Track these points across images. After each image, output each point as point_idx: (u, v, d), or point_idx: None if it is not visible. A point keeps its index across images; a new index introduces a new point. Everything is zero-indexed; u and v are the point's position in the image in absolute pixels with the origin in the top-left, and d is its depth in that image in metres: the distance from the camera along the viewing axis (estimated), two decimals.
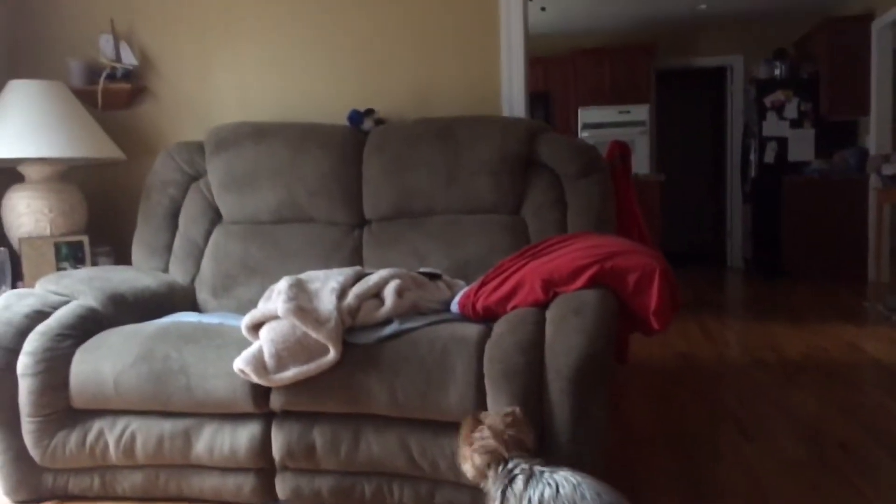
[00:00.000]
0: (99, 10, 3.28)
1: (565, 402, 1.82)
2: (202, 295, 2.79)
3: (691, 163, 9.87)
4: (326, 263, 2.70)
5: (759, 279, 7.27)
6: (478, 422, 1.69)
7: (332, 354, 1.96)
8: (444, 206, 2.72)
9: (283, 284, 2.11)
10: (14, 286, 2.77)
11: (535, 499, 1.53)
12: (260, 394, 2.03)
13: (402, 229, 2.74)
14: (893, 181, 5.79)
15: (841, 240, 6.98)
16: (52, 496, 2.24)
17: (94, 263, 2.98)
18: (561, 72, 8.47)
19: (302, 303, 2.03)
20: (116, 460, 2.14)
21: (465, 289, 2.26)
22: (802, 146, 7.37)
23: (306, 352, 1.97)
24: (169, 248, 2.89)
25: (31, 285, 2.69)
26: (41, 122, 2.77)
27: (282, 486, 2.09)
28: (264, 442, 2.06)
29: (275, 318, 2.04)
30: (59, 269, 2.83)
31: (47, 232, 2.86)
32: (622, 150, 3.34)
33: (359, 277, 2.25)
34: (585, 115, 8.36)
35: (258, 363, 1.97)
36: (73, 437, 2.15)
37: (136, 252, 2.90)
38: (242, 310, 2.64)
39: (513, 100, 3.06)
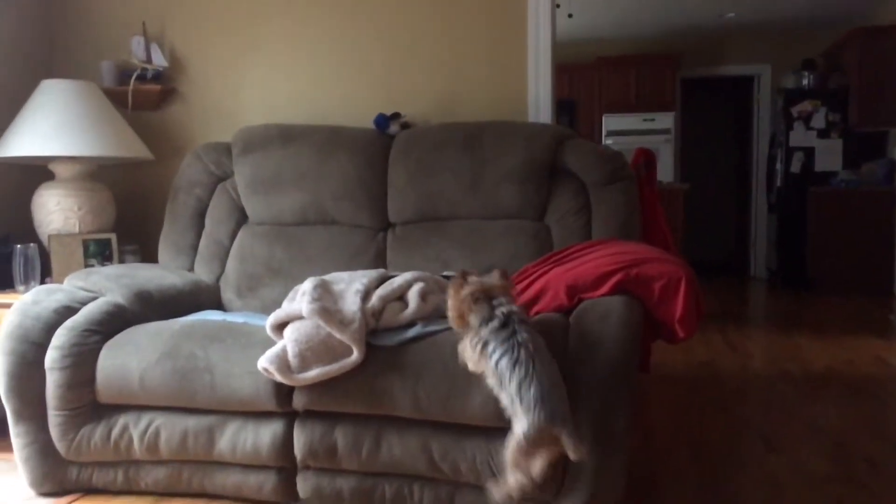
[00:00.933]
0: (131, 12, 3.32)
1: (589, 409, 1.81)
2: (227, 294, 2.81)
3: (716, 172, 9.81)
4: (350, 266, 2.71)
5: (784, 290, 7.20)
6: (464, 280, 1.78)
7: (356, 355, 1.97)
8: (468, 211, 2.72)
9: (307, 285, 2.12)
10: (43, 282, 2.81)
11: (495, 359, 1.66)
12: (283, 393, 2.04)
13: (426, 234, 2.74)
14: None
15: (867, 252, 6.89)
16: (77, 489, 2.27)
17: (122, 261, 3.02)
18: (586, 79, 8.46)
19: (326, 304, 2.04)
20: (140, 455, 2.17)
21: None
22: (830, 157, 7.30)
23: (330, 352, 1.98)
24: (195, 248, 2.92)
25: (60, 281, 2.72)
26: (72, 121, 2.82)
27: (303, 485, 2.10)
28: (286, 441, 2.07)
29: (299, 318, 2.06)
30: (86, 265, 2.86)
31: (76, 229, 2.90)
32: (647, 158, 3.33)
33: (383, 280, 2.26)
34: (610, 122, 8.34)
35: (282, 362, 1.98)
36: (99, 432, 2.17)
37: (163, 251, 2.93)
38: (266, 310, 2.66)
39: (539, 106, 3.06)
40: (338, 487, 2.07)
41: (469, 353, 1.76)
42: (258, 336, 2.15)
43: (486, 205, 2.71)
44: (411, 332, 2.04)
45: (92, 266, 2.86)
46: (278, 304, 2.43)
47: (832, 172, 7.25)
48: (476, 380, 1.90)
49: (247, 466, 2.13)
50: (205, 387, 2.08)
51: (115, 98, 3.22)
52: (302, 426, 2.06)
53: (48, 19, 3.40)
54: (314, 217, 2.85)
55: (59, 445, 2.19)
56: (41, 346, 2.17)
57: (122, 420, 2.17)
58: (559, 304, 2.03)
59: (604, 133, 8.36)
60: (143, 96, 3.25)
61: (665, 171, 7.89)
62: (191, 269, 2.89)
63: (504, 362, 1.64)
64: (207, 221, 2.93)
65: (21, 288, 2.73)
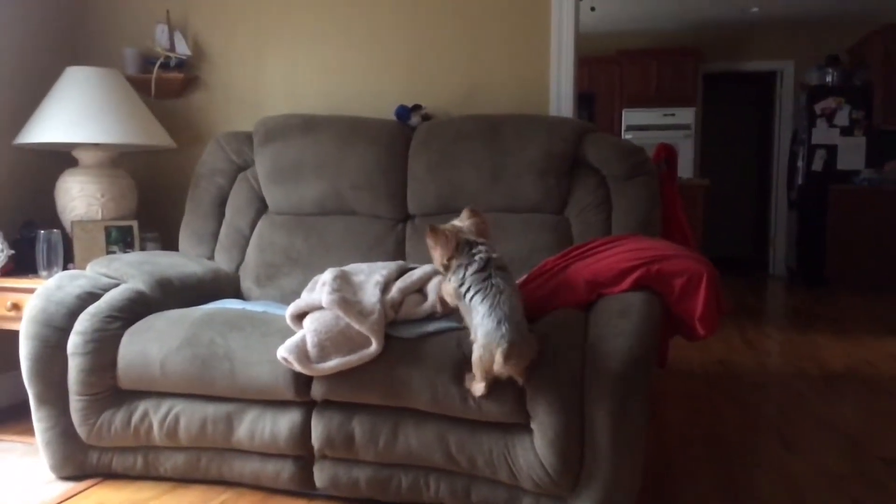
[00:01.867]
0: (156, 0, 3.34)
1: (606, 404, 1.81)
2: (246, 283, 2.83)
3: (736, 168, 9.73)
4: (368, 256, 2.72)
5: (802, 288, 7.15)
6: (436, 231, 1.94)
7: (375, 346, 1.98)
8: (488, 204, 2.72)
9: (327, 276, 2.13)
10: (65, 268, 2.83)
11: (469, 295, 1.84)
12: (301, 382, 2.05)
13: None
14: None
15: (888, 251, 6.83)
16: (96, 473, 2.29)
17: (143, 248, 3.04)
18: (606, 72, 8.41)
19: (346, 294, 2.05)
20: (160, 441, 2.19)
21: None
22: (853, 155, 7.22)
23: (349, 343, 1.99)
24: (215, 236, 2.94)
25: (82, 267, 2.75)
26: (96, 108, 2.84)
27: (320, 474, 2.12)
28: (304, 430, 2.08)
29: (319, 308, 2.07)
30: (108, 252, 2.89)
31: (98, 216, 2.92)
32: (668, 154, 3.30)
33: (402, 272, 2.27)
34: (629, 116, 8.30)
35: (301, 352, 1.99)
36: (119, 417, 2.20)
37: (184, 239, 2.95)
38: (285, 299, 2.67)
39: (561, 99, 3.04)
40: (354, 477, 2.08)
41: (449, 289, 1.95)
42: (277, 325, 2.17)
43: (507, 197, 2.71)
44: (431, 327, 2.05)
45: (114, 253, 2.88)
46: (297, 294, 2.44)
47: (855, 171, 7.18)
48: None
49: (264, 455, 2.15)
50: (224, 374, 2.09)
51: (139, 86, 3.24)
52: (320, 416, 2.07)
53: (73, 7, 3.42)
54: (333, 207, 2.86)
55: (80, 430, 2.21)
56: (64, 331, 2.20)
57: (142, 406, 2.19)
58: (579, 299, 2.03)
59: (623, 127, 8.32)
60: (167, 84, 3.27)
61: (685, 166, 7.84)
62: (211, 257, 2.91)
63: (477, 298, 1.83)
64: (228, 210, 2.95)
65: (44, 273, 2.76)
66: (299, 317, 2.10)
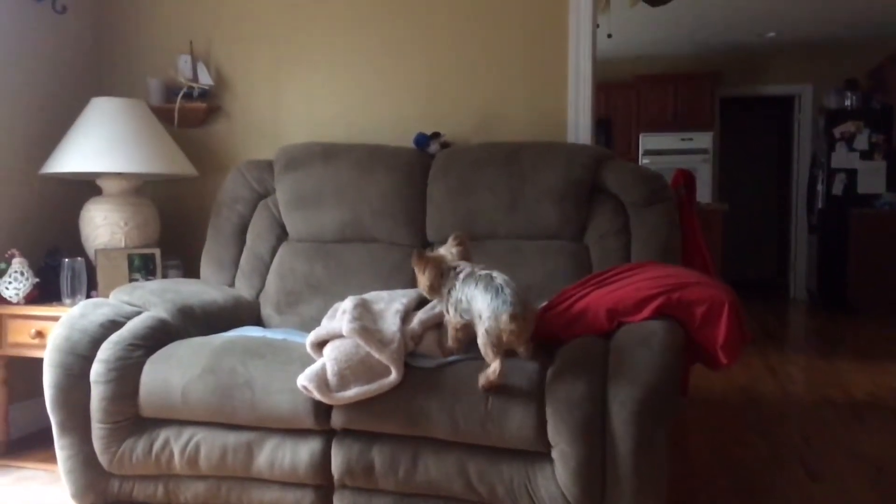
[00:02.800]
0: (180, 31, 3.40)
1: (628, 433, 1.79)
2: (266, 310, 2.84)
3: (755, 192, 9.68)
4: (388, 283, 2.73)
5: (824, 313, 7.06)
6: (421, 256, 2.05)
7: (394, 376, 1.98)
8: (507, 231, 2.72)
9: (348, 304, 2.14)
10: (88, 295, 2.86)
11: (465, 299, 1.94)
12: (321, 411, 2.05)
13: None
14: None
15: None
16: (117, 501, 2.30)
17: (165, 275, 3.07)
18: (623, 97, 8.42)
19: (366, 323, 2.06)
20: (180, 469, 2.19)
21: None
22: (873, 178, 7.16)
23: (369, 372, 1.99)
24: (236, 263, 2.96)
25: (105, 295, 2.78)
26: (120, 138, 2.88)
27: (340, 503, 2.11)
28: (324, 459, 2.08)
29: (339, 336, 2.07)
30: (131, 280, 2.92)
31: (122, 244, 2.96)
32: (687, 180, 3.29)
33: (422, 300, 2.27)
34: (647, 141, 8.29)
35: (321, 381, 1.99)
36: (140, 445, 2.20)
37: (205, 266, 2.97)
38: (305, 326, 2.68)
39: (579, 126, 3.06)
40: None
41: (448, 317, 2.04)
42: (298, 353, 2.17)
43: (525, 224, 2.71)
44: (451, 358, 2.04)
45: (136, 280, 2.91)
46: (317, 321, 2.45)
47: (875, 194, 7.11)
48: (513, 402, 1.90)
49: (284, 484, 2.14)
50: (245, 403, 2.10)
51: (162, 115, 3.29)
52: (340, 444, 2.07)
53: (99, 39, 3.49)
54: (353, 234, 2.88)
55: (102, 458, 2.22)
56: (87, 359, 2.22)
57: (163, 434, 2.20)
58: (599, 328, 2.02)
59: (640, 152, 8.31)
60: (189, 114, 3.32)
61: (703, 191, 7.81)
62: (231, 284, 2.93)
63: (472, 290, 1.92)
64: (249, 237, 2.97)
65: (68, 301, 2.79)
66: (319, 345, 2.11)
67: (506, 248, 2.71)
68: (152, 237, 3.08)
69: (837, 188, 7.22)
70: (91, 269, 2.90)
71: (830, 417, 3.39)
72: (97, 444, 2.22)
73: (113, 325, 2.30)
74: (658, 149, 8.22)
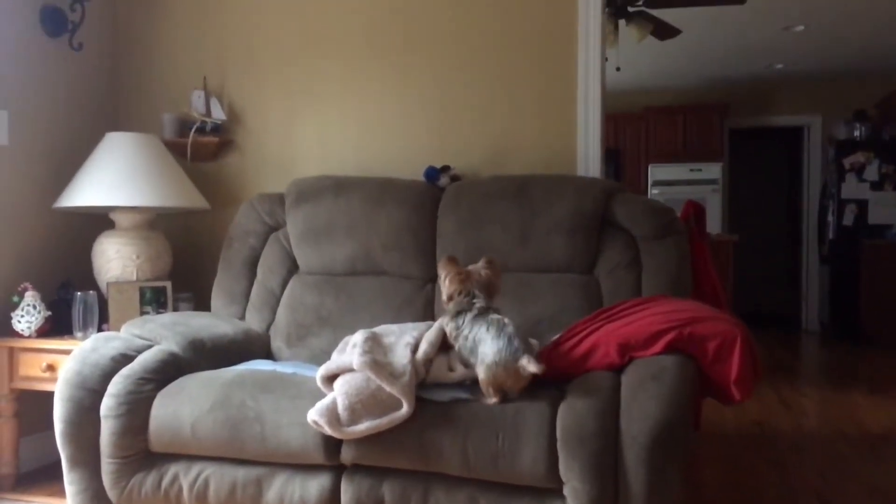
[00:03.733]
0: (193, 67, 3.46)
1: (641, 470, 1.78)
2: (276, 343, 2.84)
3: (766, 223, 9.66)
4: (398, 316, 2.73)
5: (837, 344, 7.00)
6: (452, 262, 2.17)
7: (406, 409, 1.97)
8: (517, 264, 2.72)
9: (358, 338, 2.14)
10: (99, 329, 2.88)
11: (471, 337, 2.01)
12: (331, 446, 2.04)
13: None
14: None
15: None
16: None
17: (176, 308, 3.08)
18: (633, 128, 8.46)
19: (377, 356, 2.06)
20: None
21: (539, 349, 2.24)
22: (884, 209, 7.14)
23: (380, 406, 1.98)
24: (247, 296, 2.97)
25: (116, 328, 2.79)
26: (134, 172, 2.91)
27: None
28: (334, 494, 2.06)
29: (349, 370, 2.07)
30: (142, 312, 2.93)
31: (133, 277, 2.97)
32: (697, 211, 3.30)
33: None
34: (656, 171, 8.31)
35: (332, 415, 1.98)
36: (150, 480, 2.19)
37: (216, 298, 2.98)
38: (315, 359, 2.68)
39: (588, 159, 3.07)
40: None
41: (448, 330, 2.12)
42: (308, 387, 2.17)
43: (535, 257, 2.71)
44: (462, 394, 2.03)
45: (147, 313, 2.92)
46: (327, 354, 2.45)
47: (887, 225, 7.09)
48: (525, 438, 1.89)
49: None
50: (254, 437, 2.09)
51: (175, 149, 3.33)
52: (350, 480, 2.06)
53: (114, 75, 3.55)
54: (364, 267, 2.88)
55: (111, 493, 2.21)
56: (98, 393, 2.22)
57: (172, 469, 2.19)
58: (610, 362, 2.01)
59: (650, 183, 8.32)
60: (202, 148, 3.35)
61: (713, 221, 7.80)
62: (242, 317, 2.94)
63: (481, 331, 2.00)
64: (259, 270, 2.99)
65: (79, 334, 2.80)
66: (329, 379, 2.10)
67: (516, 281, 2.71)
68: (164, 270, 3.10)
69: (848, 219, 7.20)
70: (103, 303, 2.91)
71: (846, 451, 3.34)
72: (106, 479, 2.21)
73: (124, 359, 2.30)
74: (667, 179, 8.23)
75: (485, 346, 1.97)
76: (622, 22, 5.29)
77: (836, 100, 8.05)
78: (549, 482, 1.87)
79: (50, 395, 2.99)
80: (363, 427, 1.97)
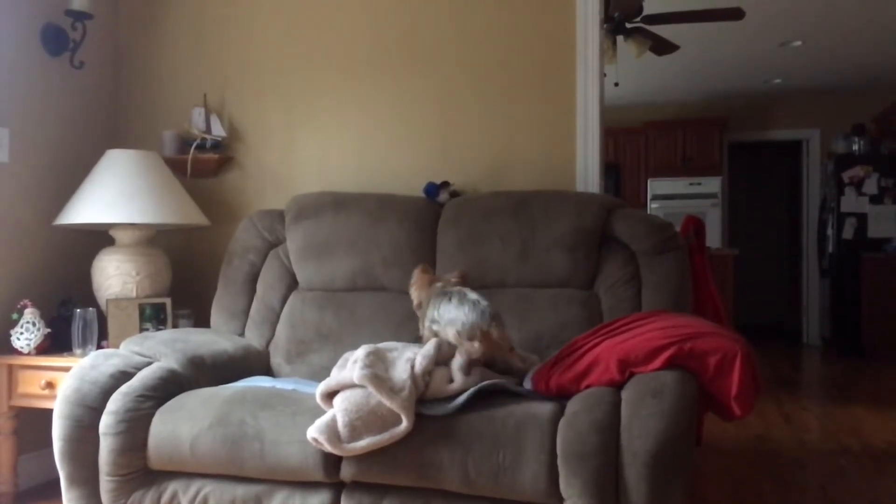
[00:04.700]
0: (194, 84, 3.47)
1: (643, 486, 1.77)
2: (276, 360, 2.84)
3: (765, 237, 9.67)
4: (398, 332, 2.72)
5: (838, 358, 6.98)
6: (427, 269, 2.35)
7: (405, 424, 1.96)
8: (516, 280, 2.72)
9: (360, 353, 2.13)
10: (99, 345, 2.87)
11: (437, 312, 2.18)
12: (331, 463, 2.04)
13: None
14: None
15: None
16: None
17: (175, 325, 3.08)
18: (632, 143, 8.49)
19: (378, 371, 2.05)
20: None
21: (539, 365, 2.24)
22: (883, 223, 7.15)
23: (380, 421, 1.98)
24: (246, 313, 2.96)
25: (115, 345, 2.78)
26: (134, 189, 2.92)
27: None
28: None
29: (349, 387, 2.06)
30: (141, 329, 2.92)
31: (133, 293, 2.97)
32: (696, 226, 3.31)
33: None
34: (655, 186, 8.33)
35: (332, 432, 1.98)
36: (149, 498, 2.18)
37: (216, 315, 2.98)
38: (315, 376, 2.68)
39: (588, 174, 3.08)
40: None
41: (422, 327, 2.27)
42: (307, 404, 2.16)
43: (535, 272, 2.71)
44: (461, 399, 2.03)
45: (147, 330, 2.92)
46: (327, 370, 2.44)
47: (886, 238, 7.09)
48: (525, 454, 1.88)
49: None
50: (254, 455, 2.08)
51: (175, 166, 3.34)
52: (349, 497, 2.05)
53: (115, 92, 3.57)
54: (364, 283, 2.88)
55: None
56: (97, 410, 2.21)
57: (171, 487, 2.18)
58: (610, 378, 2.00)
59: (649, 197, 8.34)
60: (202, 165, 3.36)
61: (713, 236, 7.81)
62: (242, 333, 2.93)
63: (451, 306, 2.15)
64: (259, 286, 2.98)
65: (78, 351, 2.79)
66: (329, 395, 2.10)
67: (516, 296, 2.71)
68: (164, 286, 3.10)
69: (848, 232, 7.21)
70: (102, 319, 2.91)
71: (848, 466, 3.33)
72: (105, 497, 2.20)
73: (123, 376, 2.30)
74: (667, 193, 8.25)
75: (450, 313, 2.12)
76: (620, 38, 5.32)
77: (835, 114, 8.08)
78: (550, 498, 1.86)
79: (49, 412, 2.98)
80: (363, 444, 1.96)
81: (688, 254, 2.70)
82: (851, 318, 7.08)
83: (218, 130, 3.38)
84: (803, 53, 6.56)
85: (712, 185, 8.12)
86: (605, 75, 3.28)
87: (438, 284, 2.31)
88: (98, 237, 3.33)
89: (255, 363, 2.78)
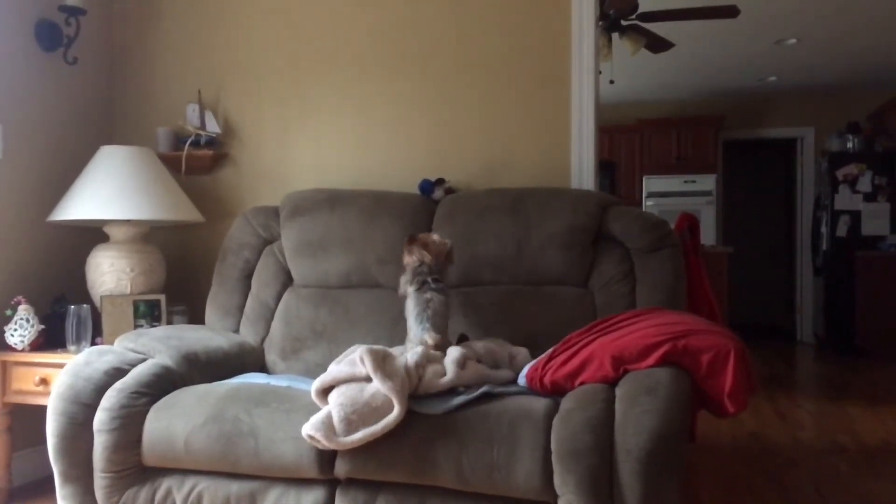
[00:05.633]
0: (188, 81, 3.46)
1: (636, 483, 1.77)
2: (271, 356, 2.83)
3: (760, 234, 9.69)
4: (393, 329, 2.73)
5: (832, 356, 7.00)
6: (414, 240, 2.50)
7: (397, 410, 1.95)
8: (511, 277, 2.73)
9: (364, 347, 2.14)
10: (93, 342, 2.87)
11: (413, 306, 2.40)
12: (325, 460, 2.04)
13: (469, 298, 2.75)
14: None
15: None
16: None
17: (170, 322, 3.07)
18: (627, 140, 8.50)
19: (378, 353, 2.08)
20: None
21: (533, 362, 2.24)
22: (877, 220, 7.17)
23: (375, 413, 1.98)
24: (241, 309, 2.96)
25: (109, 341, 2.78)
26: (128, 186, 2.91)
27: None
28: None
29: (344, 382, 2.06)
30: (136, 326, 2.92)
31: (127, 290, 2.96)
32: (691, 223, 3.31)
33: None
34: (650, 183, 8.33)
35: (328, 428, 1.97)
36: (143, 495, 2.18)
37: (210, 312, 2.98)
38: (310, 373, 2.67)
39: (583, 171, 3.08)
40: None
41: (401, 286, 2.50)
42: (302, 401, 2.16)
43: (530, 270, 2.71)
44: (456, 401, 2.03)
45: (141, 326, 2.92)
46: (322, 367, 2.45)
47: (880, 236, 7.12)
48: (519, 451, 1.88)
49: None
50: (248, 452, 2.08)
51: (170, 163, 3.33)
52: (344, 494, 2.05)
53: (109, 88, 3.55)
54: (359, 280, 2.88)
55: None
56: (91, 407, 2.20)
57: (165, 483, 2.18)
58: (604, 375, 2.01)
59: (644, 194, 8.35)
60: (197, 161, 3.36)
61: (707, 233, 7.82)
62: (236, 330, 2.93)
63: (409, 309, 2.42)
64: (254, 283, 2.98)
65: (72, 348, 2.79)
66: (324, 391, 2.10)
67: (510, 294, 2.71)
68: (158, 283, 3.09)
69: (842, 230, 7.23)
70: (97, 316, 2.90)
71: (842, 465, 3.34)
72: (99, 493, 2.19)
73: (117, 373, 2.29)
74: (662, 191, 8.26)
75: (409, 319, 2.41)
76: (616, 35, 5.32)
77: (829, 112, 8.11)
78: (545, 495, 1.86)
79: (43, 409, 2.98)
80: (359, 436, 1.96)
81: (682, 252, 2.70)
82: (845, 315, 7.10)
83: (212, 127, 3.37)
84: (798, 51, 6.57)
85: (707, 182, 8.14)
86: (600, 73, 3.28)
87: (431, 243, 2.51)
88: (92, 234, 3.32)
89: (250, 360, 2.78)
